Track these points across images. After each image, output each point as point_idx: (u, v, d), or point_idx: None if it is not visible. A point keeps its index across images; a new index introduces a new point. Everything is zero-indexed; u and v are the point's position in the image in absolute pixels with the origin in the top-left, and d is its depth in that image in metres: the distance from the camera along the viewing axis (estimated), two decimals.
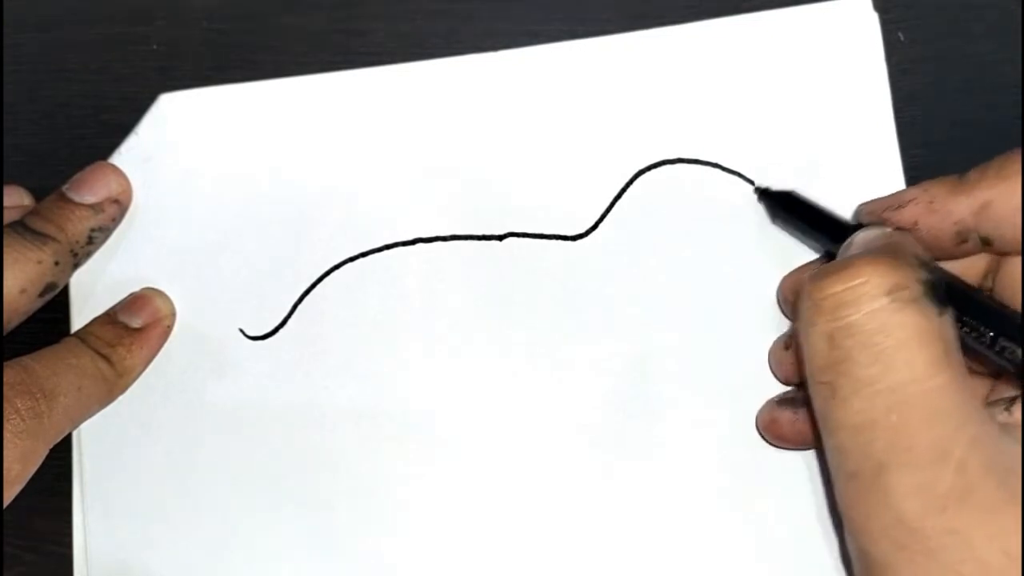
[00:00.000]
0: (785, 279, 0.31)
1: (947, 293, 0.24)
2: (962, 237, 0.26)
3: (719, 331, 0.31)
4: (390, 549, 0.31)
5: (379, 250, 0.33)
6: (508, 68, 0.34)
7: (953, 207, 0.26)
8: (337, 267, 0.33)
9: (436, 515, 0.31)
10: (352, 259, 0.33)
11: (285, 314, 0.33)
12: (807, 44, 0.33)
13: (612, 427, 0.31)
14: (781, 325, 0.31)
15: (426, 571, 0.31)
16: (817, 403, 0.24)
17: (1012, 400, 0.25)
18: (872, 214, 0.28)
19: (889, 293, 0.23)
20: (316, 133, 0.34)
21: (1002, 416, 0.24)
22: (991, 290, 0.28)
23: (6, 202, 0.33)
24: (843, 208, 0.31)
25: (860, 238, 0.27)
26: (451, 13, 0.36)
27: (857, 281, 0.23)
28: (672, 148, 0.33)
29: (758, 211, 0.32)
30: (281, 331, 0.33)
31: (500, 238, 0.33)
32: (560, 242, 0.33)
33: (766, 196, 0.31)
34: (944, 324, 0.23)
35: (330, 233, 0.33)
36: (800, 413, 0.29)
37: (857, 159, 0.32)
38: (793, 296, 0.30)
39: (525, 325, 0.32)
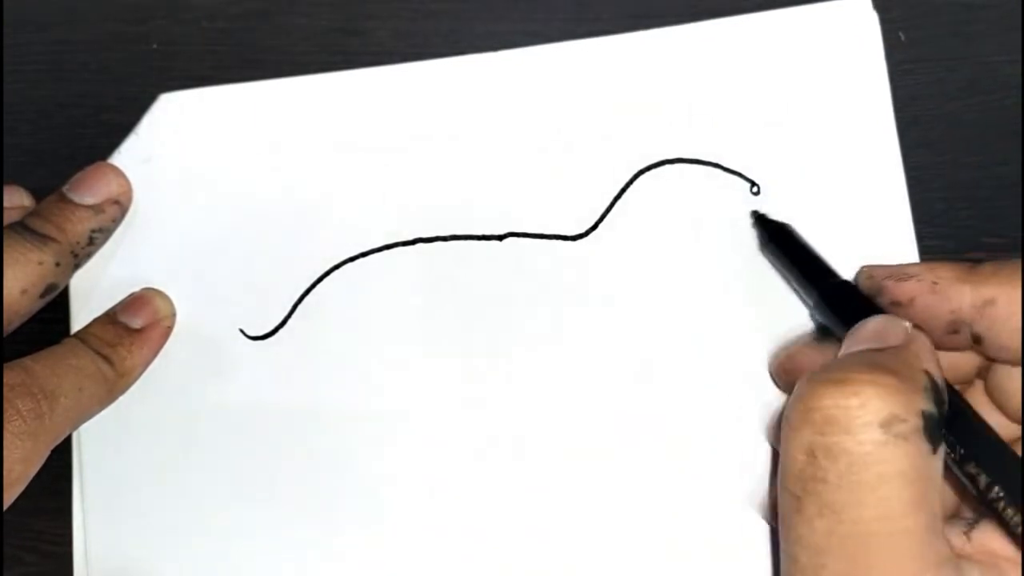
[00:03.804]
0: (776, 358, 0.30)
1: (948, 420, 0.23)
2: (955, 327, 0.25)
3: (719, 331, 0.31)
4: (391, 549, 0.31)
5: (379, 250, 0.33)
6: (508, 68, 0.34)
7: (955, 294, 0.25)
8: (337, 267, 0.33)
9: (437, 515, 0.31)
10: (352, 259, 0.33)
11: (285, 314, 0.33)
12: (807, 44, 0.33)
13: (612, 426, 0.31)
14: (780, 327, 0.31)
15: (428, 571, 0.31)
16: (782, 507, 0.23)
17: (972, 523, 0.24)
18: (872, 280, 0.27)
19: (885, 424, 0.21)
20: (316, 133, 0.34)
21: (958, 540, 0.23)
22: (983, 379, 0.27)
23: (6, 202, 0.33)
24: (842, 216, 0.31)
25: (872, 328, 0.25)
26: (452, 13, 0.36)
27: (854, 401, 0.21)
28: (672, 148, 0.33)
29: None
30: (281, 331, 0.33)
31: (500, 238, 0.33)
32: (560, 242, 0.33)
33: (760, 223, 0.31)
34: (932, 463, 0.22)
35: (330, 233, 0.33)
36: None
37: (857, 159, 0.32)
38: (785, 376, 0.29)
39: (525, 325, 0.32)
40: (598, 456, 0.31)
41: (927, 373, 0.23)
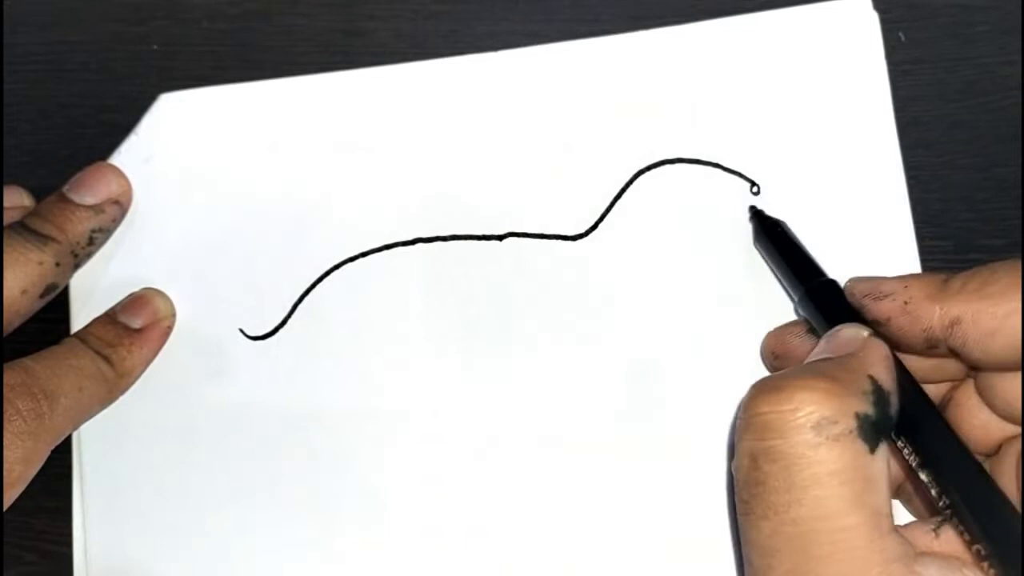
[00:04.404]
0: (768, 336, 0.30)
1: (897, 423, 0.23)
2: (931, 344, 0.25)
3: (719, 331, 0.31)
4: (391, 549, 0.31)
5: (379, 250, 0.33)
6: (509, 68, 0.34)
7: (925, 314, 0.25)
8: (337, 267, 0.33)
9: (437, 515, 0.31)
10: (352, 259, 0.33)
11: (285, 314, 0.33)
12: (807, 44, 0.33)
13: (611, 426, 0.31)
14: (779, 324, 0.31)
15: (428, 571, 0.31)
16: (737, 512, 0.24)
17: (941, 522, 0.24)
18: (853, 297, 0.27)
19: (816, 426, 0.22)
20: (316, 133, 0.34)
21: (925, 538, 0.24)
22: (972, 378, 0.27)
23: (6, 202, 0.33)
24: (842, 216, 0.31)
25: (833, 338, 0.26)
26: (453, 13, 0.36)
27: (787, 407, 0.22)
28: (672, 148, 0.33)
29: None
30: (281, 331, 0.33)
31: (500, 238, 0.33)
32: (560, 242, 0.33)
33: (755, 217, 0.31)
34: (872, 463, 0.22)
35: (330, 233, 0.33)
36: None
37: (857, 159, 0.32)
38: (773, 359, 0.30)
39: (525, 325, 0.32)
40: (598, 456, 0.31)
41: (871, 378, 0.23)
